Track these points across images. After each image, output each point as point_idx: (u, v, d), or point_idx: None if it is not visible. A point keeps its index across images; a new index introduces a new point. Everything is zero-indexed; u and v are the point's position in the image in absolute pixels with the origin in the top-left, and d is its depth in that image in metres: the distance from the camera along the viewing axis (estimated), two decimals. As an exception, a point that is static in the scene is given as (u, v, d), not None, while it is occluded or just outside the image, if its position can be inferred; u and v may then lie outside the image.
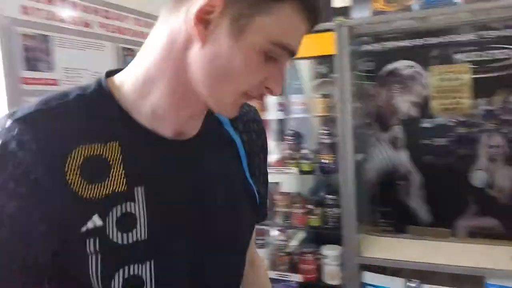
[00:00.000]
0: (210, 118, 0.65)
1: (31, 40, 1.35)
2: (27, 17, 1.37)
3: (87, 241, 0.51)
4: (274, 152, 2.11)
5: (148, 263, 0.54)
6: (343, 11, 2.14)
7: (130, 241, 0.53)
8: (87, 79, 1.52)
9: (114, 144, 0.54)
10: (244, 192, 0.69)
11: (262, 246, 2.03)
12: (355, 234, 1.80)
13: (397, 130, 2.13)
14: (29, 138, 0.50)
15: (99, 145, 0.54)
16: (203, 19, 0.52)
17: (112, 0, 1.70)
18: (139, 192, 0.55)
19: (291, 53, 0.55)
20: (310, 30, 0.56)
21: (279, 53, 0.54)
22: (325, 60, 2.09)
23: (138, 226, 0.54)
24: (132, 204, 0.54)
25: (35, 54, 1.35)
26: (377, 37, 2.09)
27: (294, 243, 2.19)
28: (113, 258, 0.53)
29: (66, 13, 1.50)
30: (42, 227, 0.50)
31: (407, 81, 2.09)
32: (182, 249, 0.59)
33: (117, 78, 0.59)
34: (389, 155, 2.15)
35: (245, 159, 0.70)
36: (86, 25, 1.58)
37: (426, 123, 2.07)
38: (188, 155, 0.61)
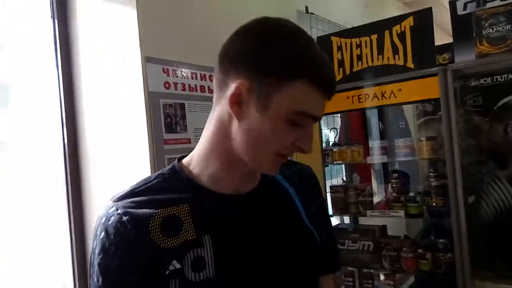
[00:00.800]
0: (266, 177, 0.79)
1: (170, 108, 1.67)
2: (168, 90, 1.70)
3: (170, 282, 0.65)
4: (379, 195, 2.12)
5: None
6: (446, 49, 2.14)
7: (202, 278, 0.65)
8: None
9: (184, 205, 0.70)
10: (303, 236, 0.79)
11: (370, 289, 2.02)
12: (470, 279, 1.72)
13: (517, 167, 1.99)
14: (122, 212, 0.67)
15: (173, 207, 0.69)
16: (236, 101, 0.66)
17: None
18: (207, 239, 0.68)
19: (315, 118, 0.67)
20: (329, 96, 0.67)
21: (303, 120, 0.66)
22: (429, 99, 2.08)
23: (207, 266, 0.66)
24: (201, 249, 0.67)
25: (173, 119, 1.66)
26: (486, 73, 2.03)
27: None
28: None
29: (196, 83, 1.82)
30: (138, 275, 0.65)
31: (525, 114, 1.97)
32: (252, 285, 0.69)
33: (185, 159, 0.77)
34: (509, 193, 2.02)
35: (302, 207, 0.81)
36: (210, 91, 1.87)
37: (550, 158, 1.91)
38: (246, 206, 0.73)
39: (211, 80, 1.92)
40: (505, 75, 1.99)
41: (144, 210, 0.68)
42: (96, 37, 1.79)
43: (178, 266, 0.65)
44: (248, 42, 0.66)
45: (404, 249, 1.96)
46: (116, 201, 0.69)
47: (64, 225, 1.83)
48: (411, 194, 1.97)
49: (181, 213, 0.69)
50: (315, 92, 0.64)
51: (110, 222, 0.67)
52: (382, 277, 2.10)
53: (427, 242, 1.97)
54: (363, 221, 2.28)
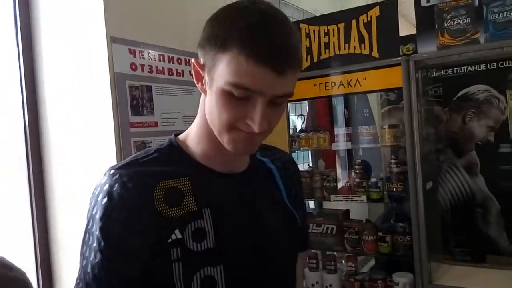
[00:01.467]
0: (256, 159, 0.84)
1: (136, 90, 1.63)
2: (134, 72, 1.66)
3: (172, 250, 0.67)
4: (343, 180, 2.17)
5: (218, 266, 0.69)
6: (410, 39, 2.20)
7: (203, 248, 0.69)
8: (179, 120, 1.78)
9: (184, 179, 0.73)
10: (285, 214, 0.84)
11: (332, 271, 2.08)
12: (427, 261, 1.81)
13: (473, 156, 2.10)
14: (126, 179, 0.68)
15: (175, 180, 0.72)
16: (197, 79, 0.71)
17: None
18: (206, 212, 0.71)
19: (255, 92, 0.63)
20: (277, 70, 0.62)
21: (243, 93, 0.64)
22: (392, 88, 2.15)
23: (207, 237, 0.70)
24: (202, 221, 0.70)
25: (140, 102, 1.63)
26: (446, 64, 2.11)
27: (364, 270, 2.22)
28: (191, 263, 0.68)
29: (164, 65, 1.79)
30: (139, 241, 0.66)
31: (483, 105, 2.07)
32: (247, 256, 0.74)
33: (181, 136, 0.80)
34: (465, 181, 2.12)
35: (284, 189, 0.86)
36: (178, 74, 1.84)
37: (504, 148, 2.02)
38: (240, 183, 0.78)
39: (179, 63, 1.91)
40: (465, 67, 2.08)
41: (148, 178, 0.70)
42: (59, 16, 1.73)
43: (179, 236, 0.68)
44: (207, 23, 0.68)
45: (366, 232, 2.03)
46: (119, 169, 0.70)
47: (26, 213, 1.78)
48: (373, 180, 2.04)
49: (183, 185, 0.72)
50: (250, 64, 0.61)
51: (114, 189, 0.68)
52: (344, 259, 2.18)
53: (387, 226, 2.04)
54: (327, 205, 2.34)
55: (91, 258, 0.67)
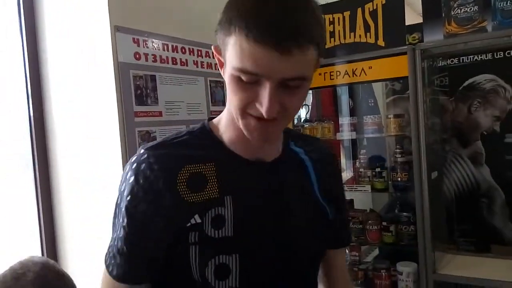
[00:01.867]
0: (289, 149, 0.81)
1: (140, 79, 1.63)
2: (138, 61, 1.65)
3: (190, 234, 0.68)
4: (347, 170, 2.17)
5: (234, 255, 0.69)
6: (416, 29, 2.18)
7: (221, 235, 0.69)
8: (183, 110, 1.78)
9: (210, 164, 0.72)
10: (315, 208, 0.81)
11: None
12: (431, 251, 1.81)
13: (479, 146, 2.08)
14: (153, 161, 0.69)
15: (200, 165, 0.71)
16: (220, 65, 0.69)
17: (203, 40, 1.95)
18: (228, 200, 0.70)
19: (265, 76, 0.60)
20: (279, 49, 0.57)
21: (251, 78, 0.61)
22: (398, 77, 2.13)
23: (226, 225, 0.69)
24: (222, 208, 0.70)
25: (144, 91, 1.63)
26: (453, 53, 2.08)
27: (368, 259, 2.23)
28: (207, 248, 0.68)
29: (168, 55, 1.78)
30: (161, 222, 0.68)
31: (489, 95, 2.05)
32: (266, 248, 0.72)
33: (215, 120, 0.79)
34: (470, 171, 2.11)
35: (316, 182, 0.82)
36: (183, 63, 1.84)
37: (510, 138, 2.01)
38: (268, 172, 0.76)
39: (184, 52, 1.90)
40: (471, 56, 2.05)
41: (174, 162, 0.70)
42: (63, 6, 1.72)
43: (199, 220, 0.68)
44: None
45: (370, 222, 2.03)
46: (148, 150, 0.71)
47: (32, 203, 1.79)
48: (378, 169, 2.04)
49: (207, 171, 0.71)
50: (251, 44, 0.58)
51: (141, 169, 0.69)
52: (348, 249, 2.18)
53: (392, 216, 2.04)
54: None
55: (118, 232, 0.70)
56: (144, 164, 0.69)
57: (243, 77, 0.61)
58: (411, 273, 1.89)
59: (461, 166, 2.13)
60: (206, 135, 0.76)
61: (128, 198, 0.69)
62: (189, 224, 0.68)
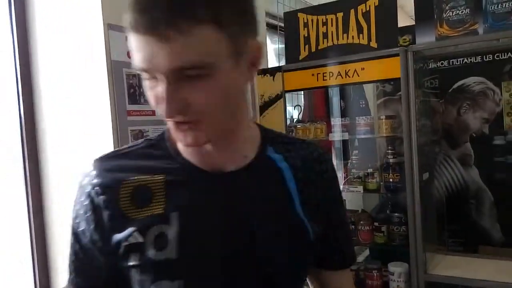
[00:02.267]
0: (264, 156, 0.70)
1: (134, 78, 1.61)
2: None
3: (130, 254, 0.62)
4: (339, 171, 2.18)
5: (177, 282, 0.61)
6: (407, 31, 2.20)
7: (162, 258, 0.60)
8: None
9: (160, 177, 0.64)
10: (293, 226, 0.68)
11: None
12: (422, 251, 1.83)
13: (468, 147, 2.11)
14: (94, 174, 0.65)
15: (147, 177, 0.64)
16: None
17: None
18: (174, 216, 0.62)
19: (152, 70, 0.54)
20: (155, 35, 0.51)
21: (147, 76, 0.56)
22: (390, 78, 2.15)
23: (169, 246, 0.61)
24: (167, 226, 0.61)
25: (137, 90, 1.61)
26: (443, 56, 2.11)
27: (359, 259, 2.23)
28: (148, 272, 0.61)
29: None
30: (100, 241, 0.63)
31: (478, 97, 2.08)
32: (215, 274, 0.62)
33: None
34: (459, 172, 2.14)
35: (298, 195, 0.69)
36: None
37: (499, 140, 2.04)
38: (227, 186, 0.65)
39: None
40: (461, 59, 2.08)
41: (119, 175, 0.64)
42: (55, 3, 1.69)
43: (140, 239, 0.61)
44: None
45: (361, 222, 2.04)
46: (96, 161, 0.67)
47: (22, 203, 1.76)
48: (370, 170, 2.05)
49: (154, 184, 0.64)
50: (133, 37, 0.53)
51: (83, 183, 0.66)
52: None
53: (383, 216, 2.06)
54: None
55: (69, 247, 0.68)
56: (87, 178, 0.65)
57: (143, 77, 0.57)
58: (403, 273, 1.90)
59: (451, 168, 2.15)
60: (162, 144, 0.69)
61: (73, 215, 0.66)
62: (131, 243, 0.61)
